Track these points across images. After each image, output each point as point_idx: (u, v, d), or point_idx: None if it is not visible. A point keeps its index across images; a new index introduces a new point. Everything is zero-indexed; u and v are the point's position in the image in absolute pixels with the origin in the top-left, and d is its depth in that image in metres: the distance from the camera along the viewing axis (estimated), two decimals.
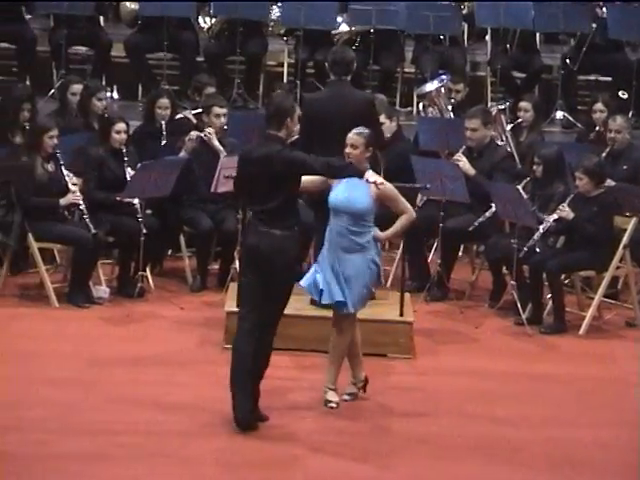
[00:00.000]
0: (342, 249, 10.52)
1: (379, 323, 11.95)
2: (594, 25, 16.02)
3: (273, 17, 16.31)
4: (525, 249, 12.54)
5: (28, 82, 15.65)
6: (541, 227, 12.59)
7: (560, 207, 12.60)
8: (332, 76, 12.57)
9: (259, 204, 9.91)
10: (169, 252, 13.92)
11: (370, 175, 10.32)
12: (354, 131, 10.54)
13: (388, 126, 13.68)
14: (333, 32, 16.00)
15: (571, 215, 12.55)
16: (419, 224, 13.17)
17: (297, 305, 11.92)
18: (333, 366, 10.62)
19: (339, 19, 16.11)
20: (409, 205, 10.74)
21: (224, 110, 13.77)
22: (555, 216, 12.59)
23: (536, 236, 12.56)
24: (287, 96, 11.37)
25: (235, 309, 11.68)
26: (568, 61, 16.07)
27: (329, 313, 11.69)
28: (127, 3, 16.59)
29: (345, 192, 10.35)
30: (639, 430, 10.34)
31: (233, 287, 12.21)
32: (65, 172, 12.78)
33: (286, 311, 10.90)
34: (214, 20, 16.43)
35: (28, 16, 16.28)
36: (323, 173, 10.29)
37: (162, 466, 9.50)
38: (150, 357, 11.53)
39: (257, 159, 9.96)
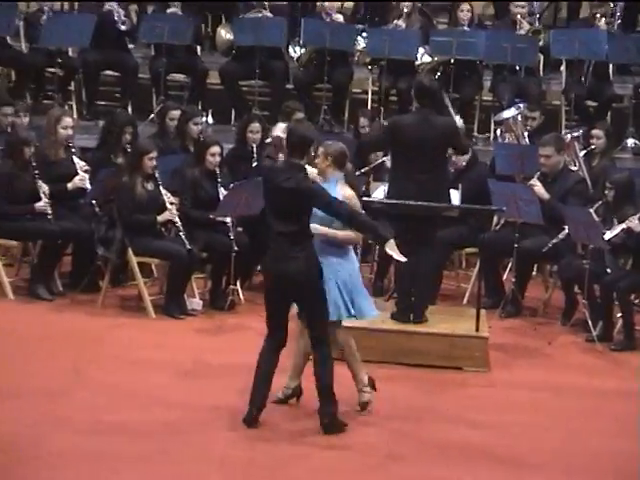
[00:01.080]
0: None
1: (456, 338, 11.99)
2: None
3: (359, 47, 16.32)
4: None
5: (130, 107, 15.77)
6: (609, 233, 12.58)
7: (630, 219, 12.59)
8: (416, 103, 12.83)
9: (283, 226, 10.05)
10: (258, 267, 13.72)
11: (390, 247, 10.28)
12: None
13: (465, 156, 13.79)
14: (417, 63, 16.00)
15: (638, 229, 12.55)
16: (495, 244, 13.45)
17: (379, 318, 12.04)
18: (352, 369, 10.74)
19: (421, 50, 16.09)
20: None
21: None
22: (624, 225, 12.56)
23: (603, 248, 12.61)
24: (310, 127, 11.36)
25: None
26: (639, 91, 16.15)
27: (403, 327, 12.07)
28: (222, 33, 16.70)
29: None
30: None
31: None
32: (163, 191, 12.95)
33: (360, 324, 11.27)
34: (303, 50, 16.50)
35: (131, 45, 16.41)
36: (346, 220, 10.27)
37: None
38: (240, 365, 11.33)
39: (287, 190, 10.04)
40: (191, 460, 9.61)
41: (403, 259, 10.41)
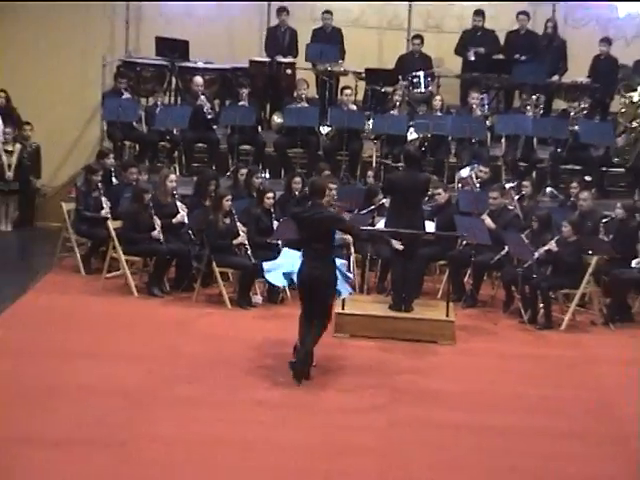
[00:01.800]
0: None
1: (433, 321, 11.92)
2: (571, 131, 15.83)
3: (367, 127, 16.22)
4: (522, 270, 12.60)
5: (214, 167, 15.64)
6: (536, 254, 12.50)
7: (550, 243, 12.51)
8: (405, 164, 12.74)
9: (316, 245, 10.13)
10: None
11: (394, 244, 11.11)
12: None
13: (443, 195, 13.71)
14: (408, 138, 15.82)
15: (555, 248, 12.45)
16: (459, 258, 13.35)
17: (380, 308, 12.18)
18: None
19: (410, 130, 15.90)
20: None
21: (335, 185, 13.81)
22: (546, 247, 12.48)
23: (531, 260, 12.50)
24: (322, 179, 11.65)
25: (341, 310, 11.90)
26: (555, 155, 16.03)
27: (397, 314, 12.00)
28: (275, 118, 16.63)
29: None
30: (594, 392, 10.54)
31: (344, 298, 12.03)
32: (237, 223, 12.89)
33: (369, 313, 11.67)
34: (329, 128, 16.36)
35: (215, 126, 16.31)
36: (355, 234, 11.08)
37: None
38: (289, 340, 11.12)
39: (316, 220, 10.14)
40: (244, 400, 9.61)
41: (400, 247, 11.28)
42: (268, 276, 11.06)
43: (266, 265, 11.10)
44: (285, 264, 10.80)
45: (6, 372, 9.98)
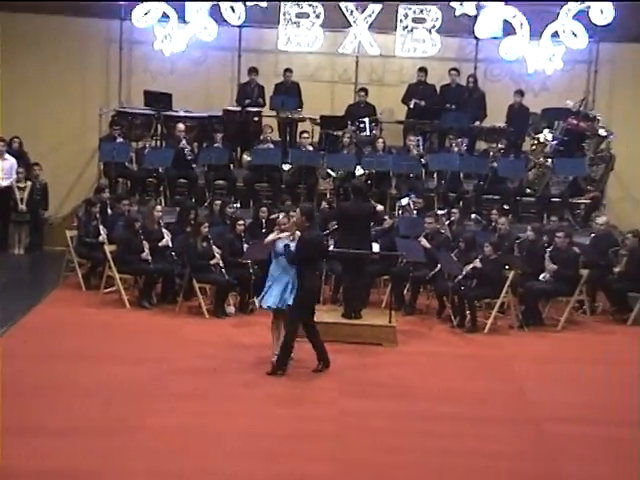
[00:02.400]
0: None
1: (378, 327, 11.91)
2: (490, 167, 15.96)
3: (323, 164, 16.13)
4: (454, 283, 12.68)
5: (193, 199, 15.54)
6: (464, 271, 12.54)
7: (475, 261, 12.56)
8: (353, 195, 12.72)
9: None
10: None
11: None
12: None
13: (388, 221, 13.73)
14: (356, 174, 15.82)
15: (479, 265, 12.49)
16: (400, 274, 13.34)
17: (334, 316, 12.13)
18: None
19: (358, 167, 15.92)
20: None
21: (294, 214, 13.83)
22: (472, 265, 12.54)
23: (460, 276, 12.53)
24: (312, 206, 11.57)
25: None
26: (478, 187, 16.13)
27: (349, 321, 11.97)
28: (245, 157, 16.56)
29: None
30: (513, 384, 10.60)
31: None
32: (213, 246, 12.83)
33: (325, 320, 11.44)
34: (290, 166, 16.28)
35: (194, 165, 16.17)
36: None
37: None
38: (256, 343, 11.41)
39: (316, 240, 10.42)
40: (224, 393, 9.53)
41: None
42: (264, 303, 10.76)
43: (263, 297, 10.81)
44: (275, 287, 10.67)
45: (21, 371, 9.95)
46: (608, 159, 16.43)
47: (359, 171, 15.93)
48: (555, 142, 16.22)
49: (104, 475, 7.77)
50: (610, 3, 16.82)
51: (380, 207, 13.47)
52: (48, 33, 17.58)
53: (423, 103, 17.00)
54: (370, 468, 8.17)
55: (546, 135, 16.34)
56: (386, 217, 13.80)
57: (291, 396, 9.85)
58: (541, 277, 12.98)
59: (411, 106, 17.02)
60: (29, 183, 15.97)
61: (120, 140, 16.39)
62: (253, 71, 17.08)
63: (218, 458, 8.22)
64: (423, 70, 17.21)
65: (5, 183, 15.89)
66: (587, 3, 16.95)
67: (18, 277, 14.67)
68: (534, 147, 16.53)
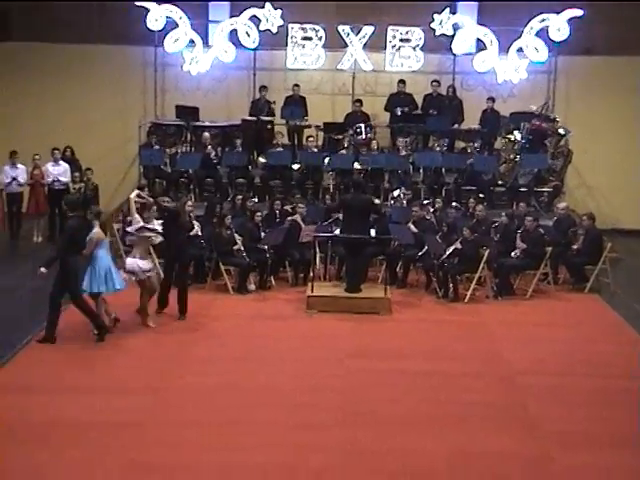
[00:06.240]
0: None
1: (375, 299, 11.90)
2: (468, 162, 15.89)
3: (326, 162, 16.02)
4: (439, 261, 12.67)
5: (218, 195, 15.51)
6: (447, 251, 12.51)
7: (456, 243, 12.54)
8: (353, 189, 12.74)
9: None
10: (281, 268, 13.49)
11: None
12: None
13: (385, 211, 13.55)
14: (355, 168, 15.73)
15: (460, 246, 12.47)
16: (393, 254, 13.27)
17: (338, 291, 12.16)
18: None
19: (356, 163, 15.83)
20: None
21: (303, 205, 13.87)
22: (454, 246, 12.52)
23: (444, 256, 12.49)
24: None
25: (311, 293, 11.89)
26: (457, 180, 16.08)
27: (351, 295, 11.93)
28: (260, 159, 16.46)
29: None
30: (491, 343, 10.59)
31: (314, 285, 12.18)
32: (235, 235, 12.79)
33: (329, 294, 11.50)
34: (299, 165, 16.07)
35: (218, 167, 16.08)
36: None
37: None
38: (270, 314, 11.52)
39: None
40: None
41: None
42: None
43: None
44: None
45: (79, 336, 10.04)
46: (566, 153, 16.43)
47: (357, 165, 15.84)
48: (522, 140, 16.20)
49: (147, 426, 7.83)
50: (565, 21, 16.86)
51: (377, 201, 13.48)
52: (95, 60, 17.62)
53: (407, 109, 16.95)
54: (370, 416, 8.23)
55: (515, 135, 16.30)
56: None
57: (303, 357, 9.89)
58: (512, 254, 12.98)
59: (398, 113, 16.95)
60: (82, 185, 16.00)
61: (156, 147, 16.40)
62: (263, 89, 17.07)
63: (245, 409, 8.29)
64: (402, 82, 17.19)
65: (61, 184, 15.93)
66: (546, 22, 16.95)
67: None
68: (504, 146, 16.52)
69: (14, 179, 15.74)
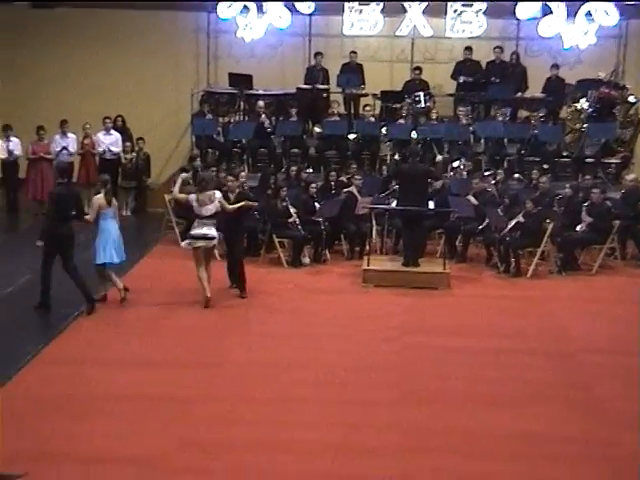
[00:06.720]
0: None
1: (434, 273, 11.91)
2: (531, 132, 15.77)
3: (384, 132, 16.05)
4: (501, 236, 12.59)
5: (272, 166, 15.56)
6: (509, 225, 12.45)
7: (518, 216, 12.48)
8: (410, 158, 12.77)
9: None
10: (336, 241, 13.59)
11: None
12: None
13: (439, 183, 13.42)
14: (413, 138, 15.64)
15: (522, 219, 12.41)
16: (452, 227, 13.30)
17: (395, 265, 12.19)
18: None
19: (413, 133, 15.81)
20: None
21: (359, 177, 13.88)
22: (516, 219, 12.46)
23: (506, 229, 12.43)
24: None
25: (367, 267, 11.95)
26: (520, 150, 15.96)
27: (408, 269, 11.94)
28: (316, 128, 16.52)
29: None
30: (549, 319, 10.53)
31: (370, 258, 12.20)
32: (290, 207, 12.83)
33: (386, 268, 11.55)
34: (355, 135, 16.13)
35: (272, 136, 16.14)
36: None
37: None
38: (325, 288, 11.60)
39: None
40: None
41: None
42: None
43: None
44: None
45: (129, 311, 10.24)
46: (636, 123, 16.16)
47: (414, 134, 15.78)
48: (589, 109, 15.95)
49: (194, 401, 7.94)
50: None
51: (440, 158, 13.37)
52: (146, 26, 17.68)
53: (471, 79, 16.79)
54: (427, 394, 8.25)
55: (582, 103, 16.07)
56: (438, 182, 13.67)
57: (359, 333, 9.92)
58: (578, 228, 12.88)
59: (460, 81, 16.82)
60: (134, 155, 16.21)
61: (209, 116, 16.50)
62: (318, 55, 17.03)
63: (297, 386, 8.35)
64: (469, 49, 16.99)
65: (112, 154, 16.13)
66: None
67: (127, 235, 14.75)
68: (570, 115, 16.29)
69: (64, 148, 16.02)
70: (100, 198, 10.49)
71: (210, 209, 10.61)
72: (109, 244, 10.42)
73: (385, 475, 6.74)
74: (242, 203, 11.01)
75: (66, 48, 17.77)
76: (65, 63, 17.80)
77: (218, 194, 10.73)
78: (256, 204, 11.07)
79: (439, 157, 13.29)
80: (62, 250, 10.00)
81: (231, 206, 10.88)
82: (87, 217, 10.37)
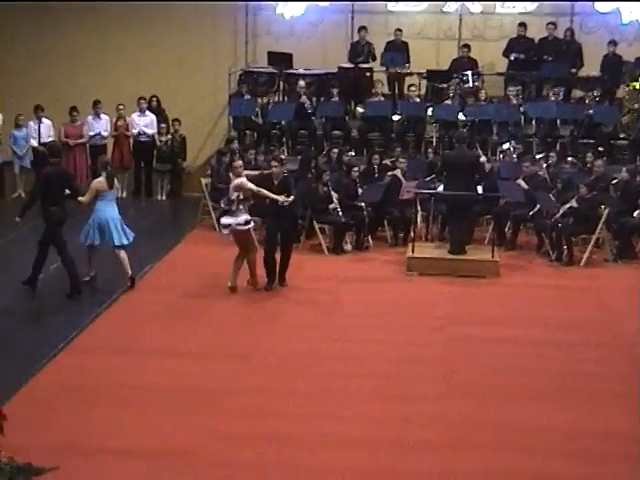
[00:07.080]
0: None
1: (482, 261, 11.84)
2: (586, 113, 15.56)
3: (429, 113, 15.90)
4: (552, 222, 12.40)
5: (313, 149, 15.47)
6: (561, 210, 12.30)
7: (571, 201, 12.33)
8: (456, 144, 12.66)
9: None
10: (379, 228, 13.46)
11: None
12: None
13: (488, 166, 13.43)
14: (461, 120, 15.55)
15: (576, 205, 12.24)
16: (501, 213, 13.15)
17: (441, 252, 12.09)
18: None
19: (460, 115, 15.66)
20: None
21: (404, 160, 13.78)
22: (569, 205, 12.31)
23: (558, 215, 12.27)
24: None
25: (411, 254, 11.85)
26: (574, 132, 15.72)
27: (455, 257, 11.84)
28: (358, 109, 16.35)
29: None
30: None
31: (415, 245, 12.12)
32: (332, 192, 12.77)
33: (432, 256, 11.49)
34: (399, 116, 15.96)
35: (313, 117, 16.12)
36: None
37: None
38: (367, 276, 11.55)
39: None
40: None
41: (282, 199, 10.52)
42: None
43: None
44: None
45: (161, 300, 10.23)
46: None
47: (461, 117, 15.64)
48: None
49: (222, 393, 7.90)
50: None
51: (483, 158, 13.36)
52: (183, 4, 17.56)
53: (522, 56, 16.55)
54: (474, 388, 8.13)
55: None
56: (487, 164, 13.52)
57: (403, 324, 9.82)
58: (635, 214, 12.66)
59: (512, 59, 16.59)
60: (169, 137, 16.18)
61: (247, 96, 16.43)
62: (362, 29, 16.87)
63: (339, 378, 8.26)
64: (523, 25, 16.72)
65: (147, 136, 16.10)
66: None
67: (162, 220, 14.94)
68: (628, 94, 15.98)
69: (98, 134, 15.99)
70: (100, 181, 10.46)
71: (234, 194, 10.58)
72: (93, 227, 10.40)
73: (430, 471, 6.64)
74: (273, 195, 10.62)
75: (98, 26, 17.73)
76: (97, 39, 17.73)
77: (238, 180, 10.57)
78: (291, 199, 10.69)
79: (483, 158, 13.15)
80: (56, 234, 10.14)
81: (254, 187, 10.55)
82: (81, 199, 10.37)
